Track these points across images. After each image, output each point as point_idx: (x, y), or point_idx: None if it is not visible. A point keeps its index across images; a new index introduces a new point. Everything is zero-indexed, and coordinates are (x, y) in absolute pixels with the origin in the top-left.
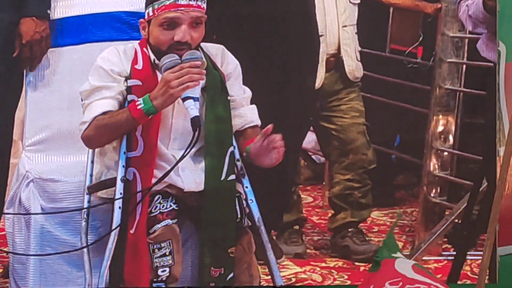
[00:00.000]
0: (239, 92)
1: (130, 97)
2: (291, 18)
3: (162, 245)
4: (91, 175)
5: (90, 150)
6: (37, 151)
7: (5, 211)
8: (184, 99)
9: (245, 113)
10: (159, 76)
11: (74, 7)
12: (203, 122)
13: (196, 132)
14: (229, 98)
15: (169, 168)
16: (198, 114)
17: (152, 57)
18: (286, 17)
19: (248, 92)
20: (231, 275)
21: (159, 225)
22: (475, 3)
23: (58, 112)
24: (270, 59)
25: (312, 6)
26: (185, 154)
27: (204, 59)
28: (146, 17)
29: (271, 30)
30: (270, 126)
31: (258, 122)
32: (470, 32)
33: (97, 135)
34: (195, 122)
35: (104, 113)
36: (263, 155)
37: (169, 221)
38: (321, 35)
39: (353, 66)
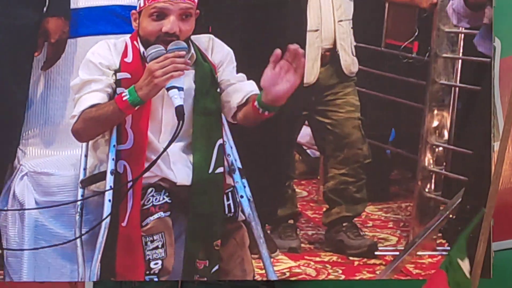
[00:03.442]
0: (232, 74)
1: (119, 90)
2: (286, 11)
3: (155, 237)
4: (84, 169)
5: (84, 144)
6: (31, 145)
7: None
8: (168, 89)
9: (243, 86)
10: None
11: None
12: (191, 114)
13: (180, 121)
14: (221, 80)
15: (160, 162)
16: (182, 103)
17: (142, 49)
18: (281, 9)
19: (241, 74)
20: (216, 267)
21: (151, 218)
22: None
23: (52, 106)
24: (265, 51)
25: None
26: (170, 142)
27: (192, 50)
28: (138, 8)
29: (265, 23)
30: (278, 51)
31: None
32: (465, 28)
33: (85, 128)
34: (179, 111)
35: (92, 106)
36: (278, 81)
37: (161, 214)
38: (317, 30)
39: (348, 61)
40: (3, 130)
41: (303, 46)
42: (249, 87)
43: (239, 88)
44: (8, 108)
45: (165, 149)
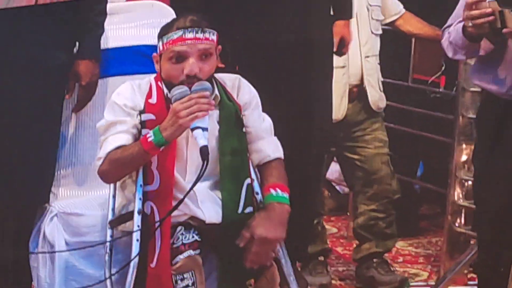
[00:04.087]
0: (257, 122)
1: (144, 131)
2: (313, 48)
3: (185, 276)
4: (113, 209)
5: (112, 185)
6: (63, 186)
7: (30, 245)
8: (193, 129)
9: (262, 147)
10: None
11: None
12: (216, 154)
13: (204, 162)
14: (245, 130)
15: (187, 200)
16: (206, 143)
17: (166, 90)
18: (308, 47)
19: (268, 121)
20: None
21: (181, 256)
22: (455, 29)
23: (80, 146)
24: (293, 89)
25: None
26: (194, 183)
27: (216, 90)
28: (158, 51)
29: (292, 61)
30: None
31: (277, 155)
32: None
33: (111, 170)
34: (203, 152)
35: (117, 148)
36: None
37: (191, 252)
38: (343, 66)
39: (376, 97)
40: (35, 172)
41: (330, 82)
42: (266, 150)
43: (258, 148)
44: (40, 150)
45: (189, 190)
